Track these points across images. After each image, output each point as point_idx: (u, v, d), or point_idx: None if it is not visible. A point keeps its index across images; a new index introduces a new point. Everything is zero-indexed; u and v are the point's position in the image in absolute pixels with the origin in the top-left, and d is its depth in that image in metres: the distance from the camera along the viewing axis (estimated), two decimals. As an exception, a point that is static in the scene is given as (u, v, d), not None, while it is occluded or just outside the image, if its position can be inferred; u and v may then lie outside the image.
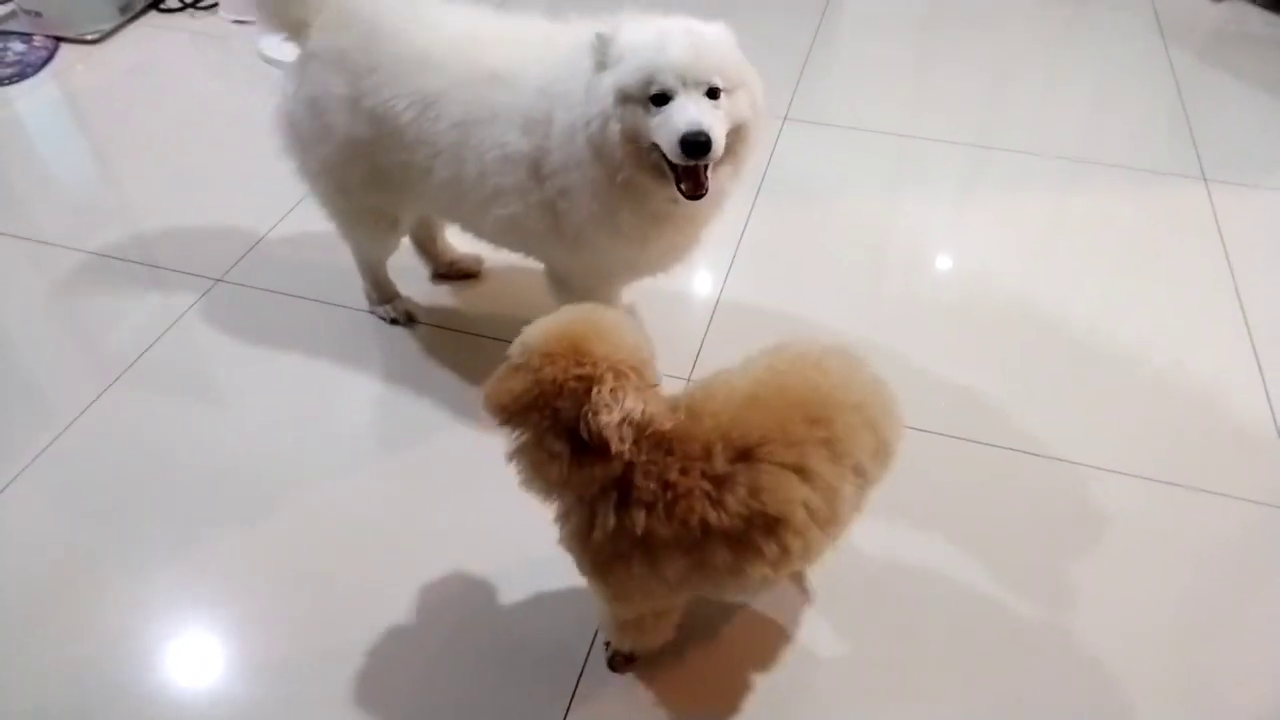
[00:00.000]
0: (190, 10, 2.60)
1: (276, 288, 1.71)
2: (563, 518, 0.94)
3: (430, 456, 1.41)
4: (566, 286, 1.37)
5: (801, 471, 0.87)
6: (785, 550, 0.89)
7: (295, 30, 1.32)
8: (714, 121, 1.06)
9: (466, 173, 1.24)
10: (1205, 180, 1.94)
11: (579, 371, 0.82)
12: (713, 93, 1.07)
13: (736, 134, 1.12)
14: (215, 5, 2.59)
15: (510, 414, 0.86)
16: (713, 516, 0.86)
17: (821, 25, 2.53)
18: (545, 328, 0.87)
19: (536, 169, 1.18)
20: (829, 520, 0.91)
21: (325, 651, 1.16)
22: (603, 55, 1.09)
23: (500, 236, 1.35)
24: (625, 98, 1.07)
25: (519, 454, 0.89)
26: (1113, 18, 2.55)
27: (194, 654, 1.17)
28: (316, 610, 1.21)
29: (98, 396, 1.49)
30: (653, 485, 0.86)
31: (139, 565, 1.26)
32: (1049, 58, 2.41)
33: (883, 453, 0.96)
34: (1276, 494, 1.33)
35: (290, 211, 1.87)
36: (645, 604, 0.99)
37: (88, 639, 1.18)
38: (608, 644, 1.14)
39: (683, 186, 1.10)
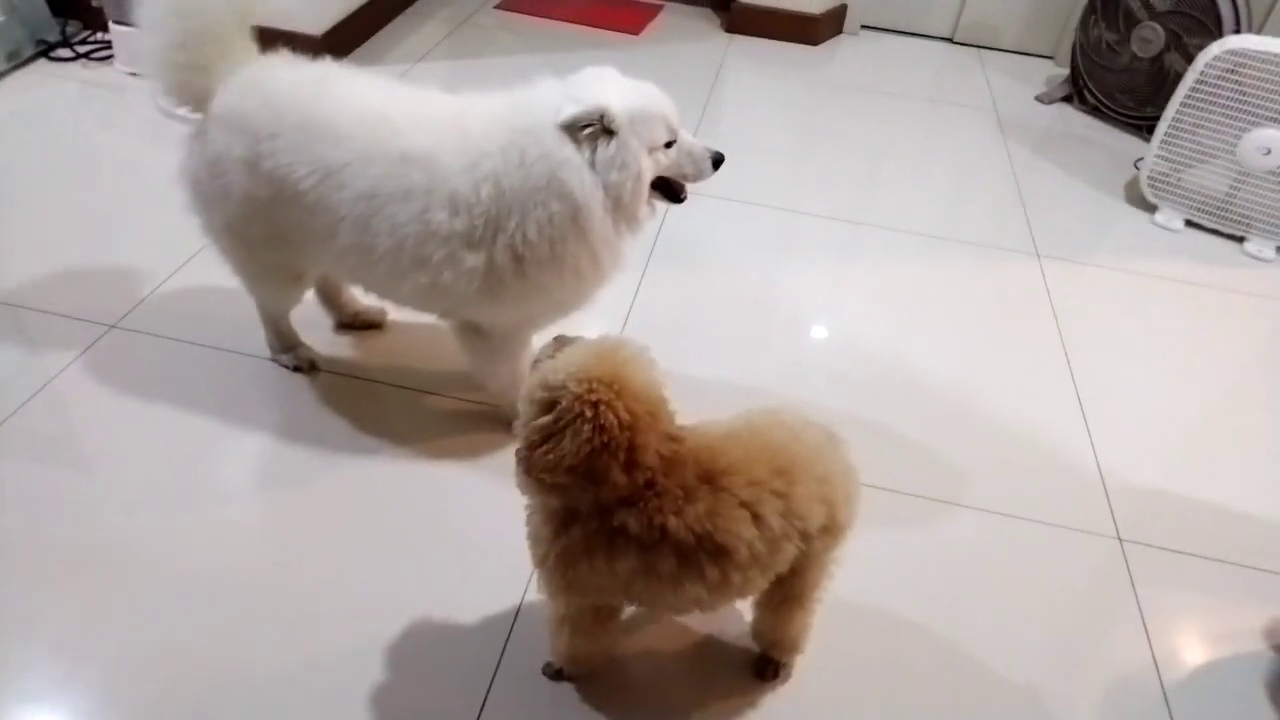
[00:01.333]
0: (83, 60, 2.57)
1: (174, 335, 1.71)
2: (541, 512, 0.98)
3: (331, 499, 1.44)
4: (485, 338, 1.45)
5: (754, 513, 0.94)
6: (725, 579, 0.96)
7: (200, 102, 1.37)
8: None
9: (377, 244, 1.30)
10: (1039, 256, 2.21)
11: (627, 414, 0.86)
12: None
13: None
14: (110, 57, 2.58)
15: (577, 475, 0.86)
16: (672, 523, 0.92)
17: (708, 104, 2.75)
18: (587, 368, 0.85)
19: (473, 239, 1.27)
20: (768, 566, 0.99)
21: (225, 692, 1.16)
22: (611, 124, 1.23)
23: (416, 300, 1.40)
24: (652, 149, 1.28)
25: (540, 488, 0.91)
26: (960, 115, 2.88)
27: None
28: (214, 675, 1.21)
29: (-21, 440, 1.45)
30: (642, 489, 0.92)
31: None
32: (908, 146, 2.70)
33: (833, 531, 1.02)
34: (1095, 523, 1.52)
35: (188, 261, 1.88)
36: (590, 598, 1.03)
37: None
38: (549, 663, 1.20)
39: (682, 197, 1.39)
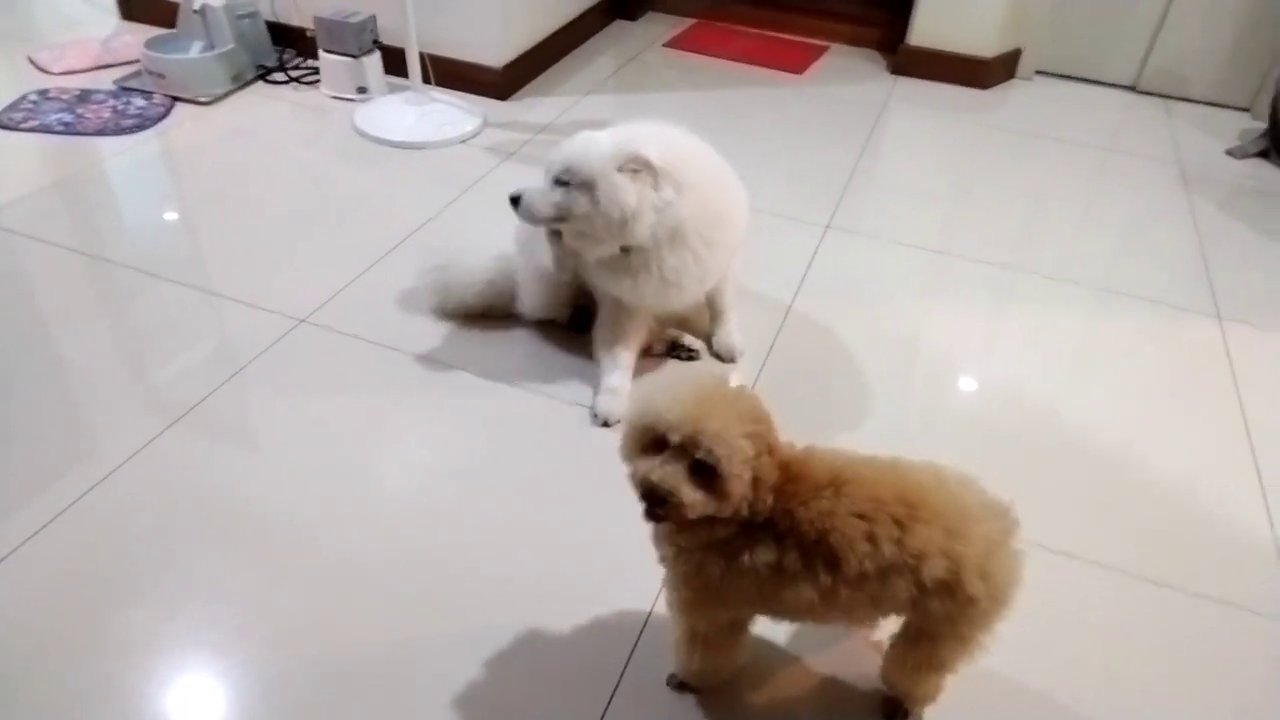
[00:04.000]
0: (294, 84, 2.86)
1: (354, 332, 1.86)
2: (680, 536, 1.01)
3: (483, 494, 1.53)
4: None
5: (869, 530, 0.94)
6: (834, 590, 0.96)
7: None
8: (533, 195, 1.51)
9: None
10: (1220, 318, 2.06)
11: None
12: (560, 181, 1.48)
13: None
14: (317, 81, 2.86)
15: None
16: (799, 511, 0.95)
17: (868, 144, 2.74)
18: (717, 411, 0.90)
19: None
20: (876, 597, 0.97)
21: (349, 666, 1.26)
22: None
23: None
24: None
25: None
26: (1138, 165, 2.74)
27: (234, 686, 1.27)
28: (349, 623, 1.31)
29: (164, 430, 1.63)
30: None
31: (173, 610, 1.37)
32: (1078, 194, 2.59)
33: (958, 598, 0.95)
34: (1266, 603, 1.40)
35: (372, 266, 2.05)
36: (721, 612, 1.06)
37: (108, 663, 1.28)
38: (672, 675, 1.23)
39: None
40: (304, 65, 2.93)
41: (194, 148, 2.51)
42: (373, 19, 2.72)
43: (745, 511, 0.94)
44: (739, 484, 0.91)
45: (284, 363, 1.78)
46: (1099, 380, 1.88)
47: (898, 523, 0.95)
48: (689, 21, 3.59)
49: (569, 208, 1.48)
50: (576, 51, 3.28)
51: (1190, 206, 2.52)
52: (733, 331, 1.83)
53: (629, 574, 1.38)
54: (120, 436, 1.58)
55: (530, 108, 2.86)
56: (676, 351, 1.82)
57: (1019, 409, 1.78)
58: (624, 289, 1.61)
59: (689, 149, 1.59)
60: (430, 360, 1.80)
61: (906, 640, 1.08)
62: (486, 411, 1.70)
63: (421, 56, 2.62)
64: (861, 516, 0.95)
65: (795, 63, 3.29)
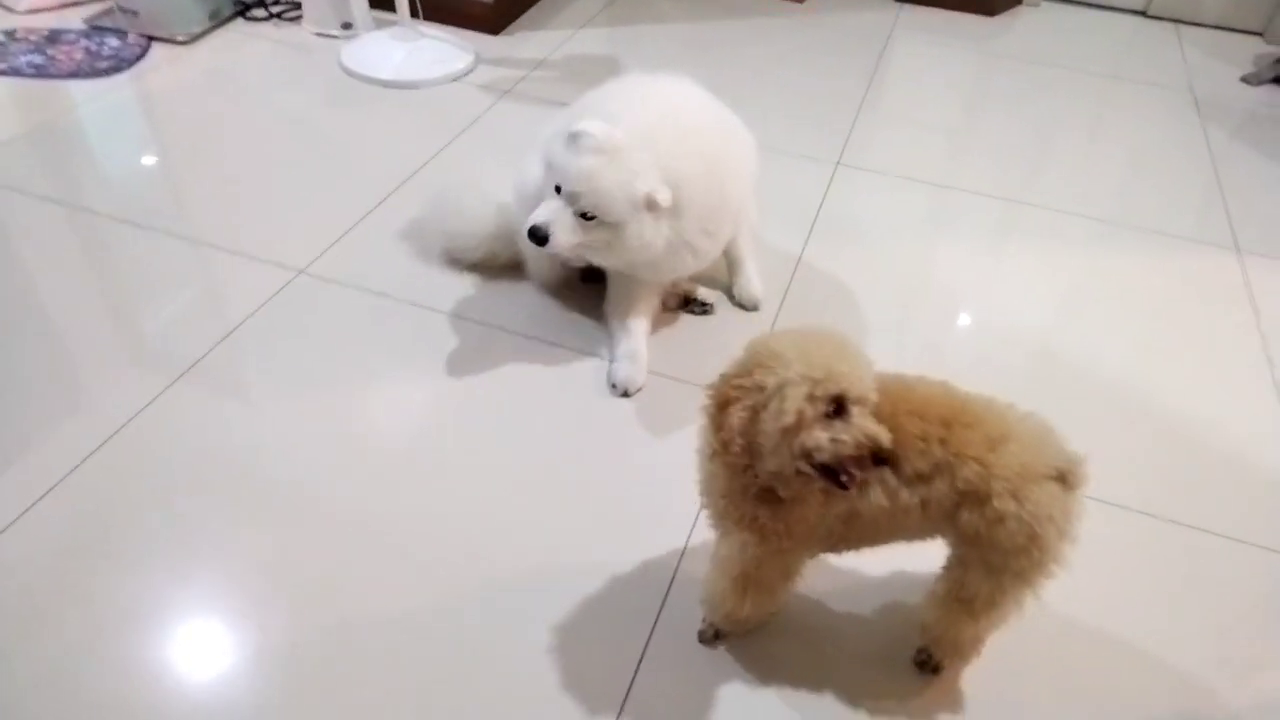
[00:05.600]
0: (275, 20, 2.73)
1: (355, 283, 1.80)
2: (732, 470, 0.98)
3: (500, 448, 1.49)
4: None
5: (921, 427, 0.95)
6: (896, 492, 0.96)
7: None
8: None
9: None
10: (1239, 251, 2.03)
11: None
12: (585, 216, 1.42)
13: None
14: (299, 17, 2.72)
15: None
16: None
17: (874, 75, 2.65)
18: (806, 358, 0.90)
19: None
20: (926, 502, 0.97)
21: (381, 612, 1.23)
22: None
23: None
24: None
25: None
26: (1150, 93, 2.67)
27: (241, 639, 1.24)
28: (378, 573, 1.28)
29: (164, 389, 1.58)
30: None
31: (178, 566, 1.34)
32: (1087, 124, 2.52)
33: (986, 513, 0.95)
34: (1300, 546, 1.40)
35: (370, 214, 1.97)
36: (793, 554, 1.05)
37: (111, 617, 1.25)
38: (704, 621, 1.22)
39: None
40: (285, 0, 2.78)
41: (174, 90, 2.40)
42: (356, -50, 2.59)
43: None
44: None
45: (284, 316, 1.72)
46: (1115, 317, 1.84)
47: (944, 423, 0.96)
48: (683, -52, 3.44)
49: (593, 242, 1.44)
50: (568, -18, 3.14)
51: (1205, 135, 2.46)
52: (753, 279, 1.78)
53: (650, 527, 1.36)
54: (119, 396, 1.53)
55: (523, 43, 2.74)
56: (690, 306, 1.77)
57: (1035, 348, 1.75)
58: (630, 269, 1.57)
59: (690, 122, 1.51)
60: (436, 311, 1.75)
61: (944, 573, 1.08)
62: (496, 363, 1.65)
63: (406, -11, 2.48)
64: (915, 414, 0.96)
65: (795, -10, 3.16)
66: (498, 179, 1.82)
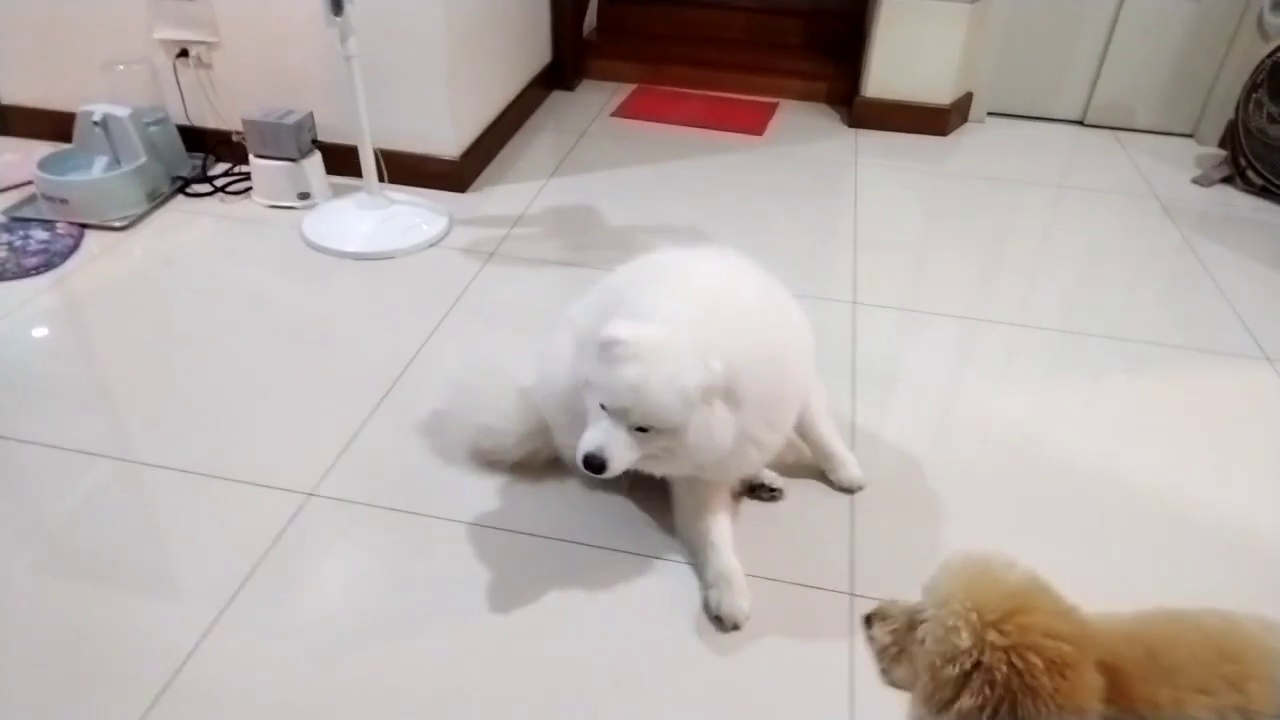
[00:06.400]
0: (220, 195, 2.51)
1: (384, 501, 1.56)
2: None
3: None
4: None
5: (1213, 701, 0.80)
6: None
7: None
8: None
9: None
10: (1268, 360, 2.02)
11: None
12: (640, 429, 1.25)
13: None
14: (248, 190, 2.52)
15: None
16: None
17: (856, 208, 2.63)
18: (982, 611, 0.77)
19: None
20: None
21: None
22: None
23: None
24: None
25: None
26: (1119, 202, 2.74)
27: None
28: None
29: (188, 656, 1.30)
30: None
31: None
32: (1073, 239, 2.55)
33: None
34: None
35: (371, 416, 1.75)
36: None
37: None
38: None
39: None
40: (232, 173, 2.58)
41: (118, 285, 2.13)
42: (310, 116, 2.42)
43: None
44: None
45: (302, 551, 1.46)
46: (1158, 436, 1.77)
47: (1234, 686, 0.81)
48: (628, 88, 3.43)
49: (655, 453, 1.27)
50: (523, 130, 3.05)
51: (1185, 241, 2.52)
52: (848, 463, 1.61)
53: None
54: (143, 673, 1.23)
55: (493, 198, 2.61)
56: (757, 492, 1.59)
57: (1105, 481, 1.65)
58: (698, 472, 1.39)
59: (736, 304, 1.37)
60: (478, 526, 1.52)
61: None
62: (563, 579, 1.43)
63: (362, 154, 2.31)
64: (1201, 689, 0.80)
65: (751, 123, 3.17)
66: (520, 360, 1.65)
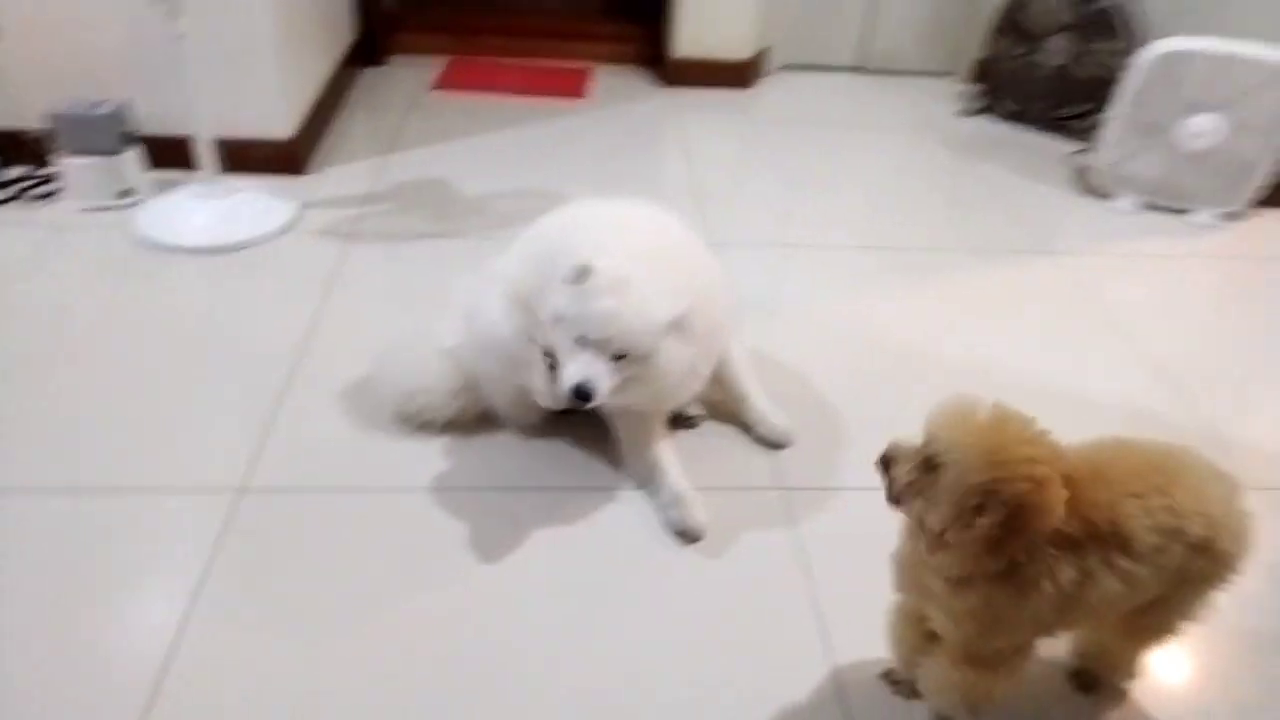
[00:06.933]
0: (21, 200, 2.26)
1: (323, 483, 1.54)
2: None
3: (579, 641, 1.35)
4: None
5: (1142, 503, 1.01)
6: (1130, 573, 1.01)
7: None
8: None
9: None
10: (1049, 253, 2.43)
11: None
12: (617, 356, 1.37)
13: None
14: (53, 193, 2.28)
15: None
16: (1094, 514, 1.00)
17: (690, 158, 2.81)
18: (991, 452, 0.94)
19: None
20: (1158, 567, 1.02)
21: None
22: None
23: None
24: None
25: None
26: (910, 138, 3.12)
27: None
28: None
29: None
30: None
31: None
32: (881, 173, 2.88)
33: (1213, 557, 1.03)
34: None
35: (283, 397, 1.70)
36: (1005, 641, 1.06)
37: None
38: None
39: None
40: (34, 176, 2.31)
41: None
42: (126, 106, 2.23)
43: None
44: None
45: (251, 550, 1.42)
46: (999, 325, 2.11)
47: (1161, 490, 1.02)
48: (441, 60, 3.40)
49: (624, 381, 1.37)
50: (345, 109, 2.96)
51: (962, 163, 2.92)
52: (768, 413, 1.71)
53: (779, 638, 1.31)
54: None
55: (333, 178, 2.54)
56: (680, 422, 1.72)
57: (965, 367, 1.95)
58: (649, 401, 1.52)
59: (673, 241, 1.53)
60: (422, 489, 1.55)
61: (1136, 610, 1.14)
62: (526, 524, 1.50)
63: (199, 141, 2.18)
64: (1135, 495, 1.01)
65: (571, 88, 3.26)
66: (442, 328, 1.68)
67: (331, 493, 1.53)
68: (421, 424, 1.65)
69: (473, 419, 1.67)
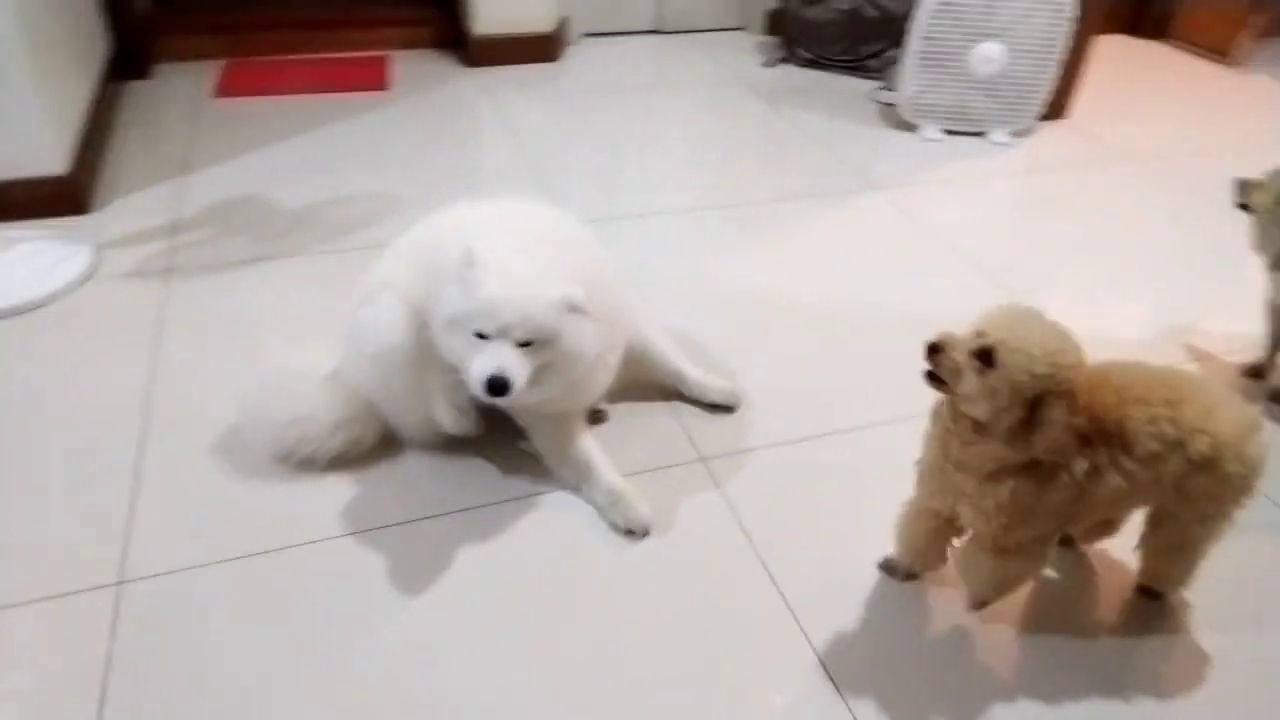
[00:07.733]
0: None
1: (208, 558, 1.36)
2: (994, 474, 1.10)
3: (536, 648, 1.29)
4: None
5: (1148, 411, 1.12)
6: (1133, 474, 1.12)
7: None
8: None
9: None
10: (876, 189, 2.56)
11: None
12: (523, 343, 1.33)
13: None
14: None
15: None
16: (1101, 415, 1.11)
17: (515, 138, 2.72)
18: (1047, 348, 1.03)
19: None
20: (1159, 477, 1.12)
21: None
22: None
23: None
24: None
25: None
26: (725, 92, 3.17)
27: None
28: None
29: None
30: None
31: None
32: (695, 130, 2.91)
33: (1217, 475, 1.12)
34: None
35: (141, 470, 1.49)
36: (1041, 522, 1.15)
37: None
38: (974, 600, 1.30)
39: None
40: None
41: None
42: None
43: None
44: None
45: (151, 644, 1.24)
46: (849, 264, 2.21)
47: (1168, 403, 1.12)
48: (216, 64, 3.07)
49: (537, 370, 1.30)
50: (117, 131, 2.62)
51: (775, 112, 3.01)
52: (707, 380, 1.70)
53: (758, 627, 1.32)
54: None
55: (125, 212, 2.24)
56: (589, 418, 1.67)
57: (842, 310, 2.02)
58: (568, 393, 1.45)
59: (557, 232, 1.49)
60: (330, 539, 1.41)
61: (1155, 527, 1.26)
62: (462, 550, 1.40)
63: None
64: (1141, 401, 1.12)
65: (372, 78, 3.06)
66: (313, 355, 1.54)
67: (224, 564, 1.36)
68: (302, 459, 1.49)
69: (368, 450, 1.54)
